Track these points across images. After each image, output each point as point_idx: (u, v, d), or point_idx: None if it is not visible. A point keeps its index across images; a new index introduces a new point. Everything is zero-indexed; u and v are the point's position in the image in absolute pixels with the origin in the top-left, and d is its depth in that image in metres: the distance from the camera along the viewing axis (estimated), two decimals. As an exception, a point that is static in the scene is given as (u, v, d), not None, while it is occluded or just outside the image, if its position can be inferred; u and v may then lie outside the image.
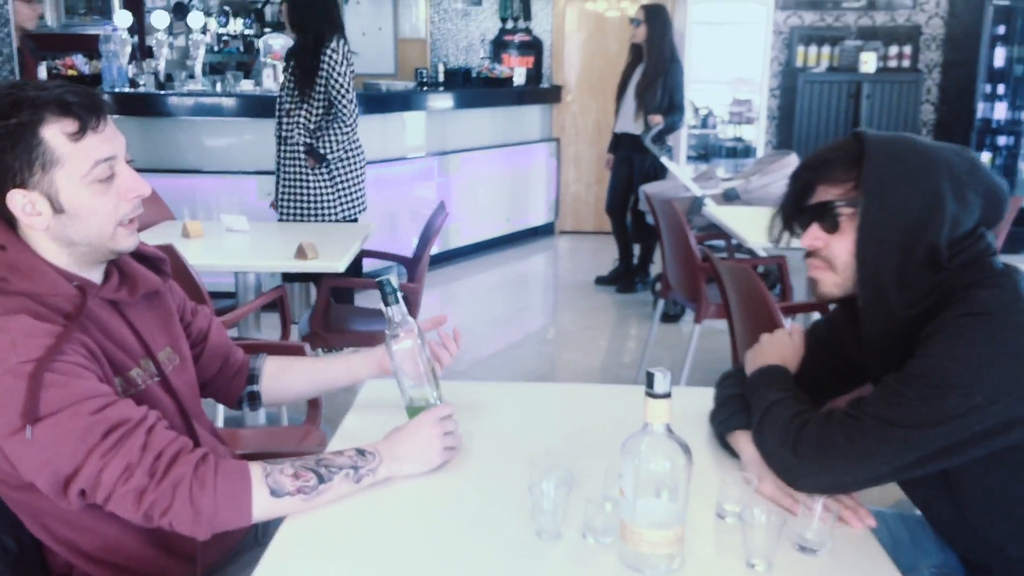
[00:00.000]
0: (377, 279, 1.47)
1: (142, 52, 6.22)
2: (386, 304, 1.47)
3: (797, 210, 1.38)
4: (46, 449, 1.18)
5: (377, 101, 5.74)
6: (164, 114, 4.88)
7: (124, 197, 1.32)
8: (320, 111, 3.89)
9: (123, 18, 5.24)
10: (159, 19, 5.35)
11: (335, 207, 3.98)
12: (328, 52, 3.80)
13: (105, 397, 1.23)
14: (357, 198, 4.06)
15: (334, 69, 3.80)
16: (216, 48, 7.09)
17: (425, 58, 7.57)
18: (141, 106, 4.89)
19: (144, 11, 6.64)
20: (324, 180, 3.96)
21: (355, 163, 4.03)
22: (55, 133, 1.24)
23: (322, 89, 3.85)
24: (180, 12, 6.39)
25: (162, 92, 5.04)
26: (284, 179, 4.01)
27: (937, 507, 1.40)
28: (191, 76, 5.42)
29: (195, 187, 4.94)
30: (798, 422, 1.28)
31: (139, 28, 6.34)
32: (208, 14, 6.85)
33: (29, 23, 4.20)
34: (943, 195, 1.25)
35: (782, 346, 1.54)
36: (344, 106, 3.84)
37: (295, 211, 4.00)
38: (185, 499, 1.21)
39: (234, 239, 3.33)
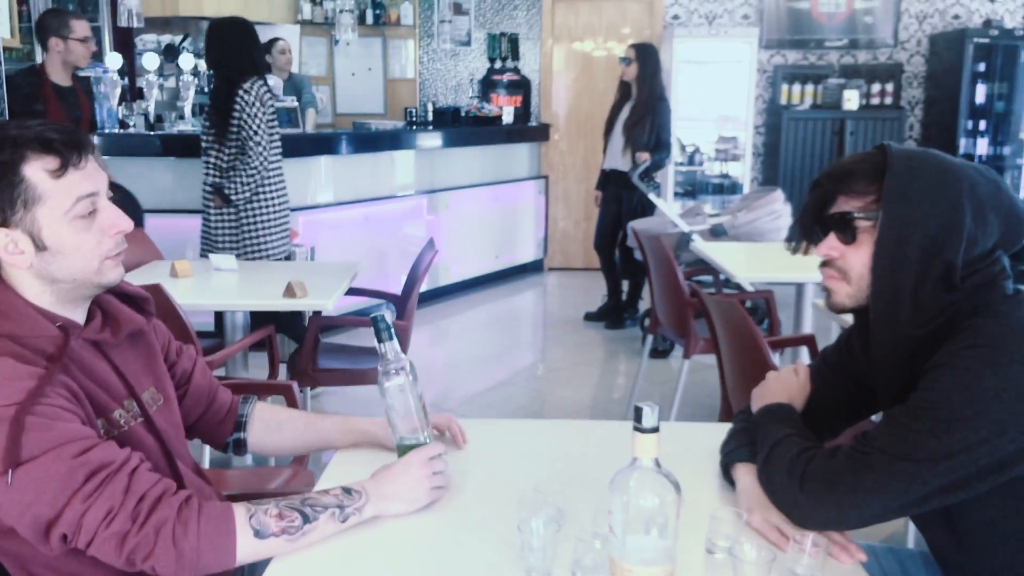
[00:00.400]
0: (371, 316, 1.47)
1: (132, 93, 6.25)
2: (379, 340, 1.46)
3: (816, 219, 1.37)
4: (27, 493, 1.17)
5: (367, 140, 5.78)
6: (154, 154, 4.89)
7: (107, 233, 1.32)
8: (233, 151, 3.89)
9: (114, 60, 5.26)
10: (150, 61, 5.38)
11: (237, 246, 3.95)
12: (240, 93, 3.82)
13: (87, 440, 1.21)
14: (266, 241, 3.98)
15: (244, 111, 3.81)
16: (206, 89, 7.13)
17: (414, 97, 7.64)
18: (131, 147, 4.91)
19: (135, 53, 6.68)
20: (228, 220, 3.95)
21: (266, 206, 3.97)
22: (36, 170, 1.24)
23: (235, 130, 3.86)
24: (170, 54, 6.44)
25: (152, 133, 5.06)
26: (203, 215, 4.06)
27: (935, 535, 1.40)
28: (181, 117, 5.44)
29: (183, 227, 4.93)
30: (804, 458, 1.28)
31: (130, 70, 6.38)
32: (198, 55, 6.90)
33: (83, 62, 4.19)
34: (963, 213, 1.25)
35: (788, 384, 1.53)
36: (252, 147, 3.83)
37: (204, 245, 4.05)
38: (168, 542, 1.20)
39: (222, 278, 3.32)
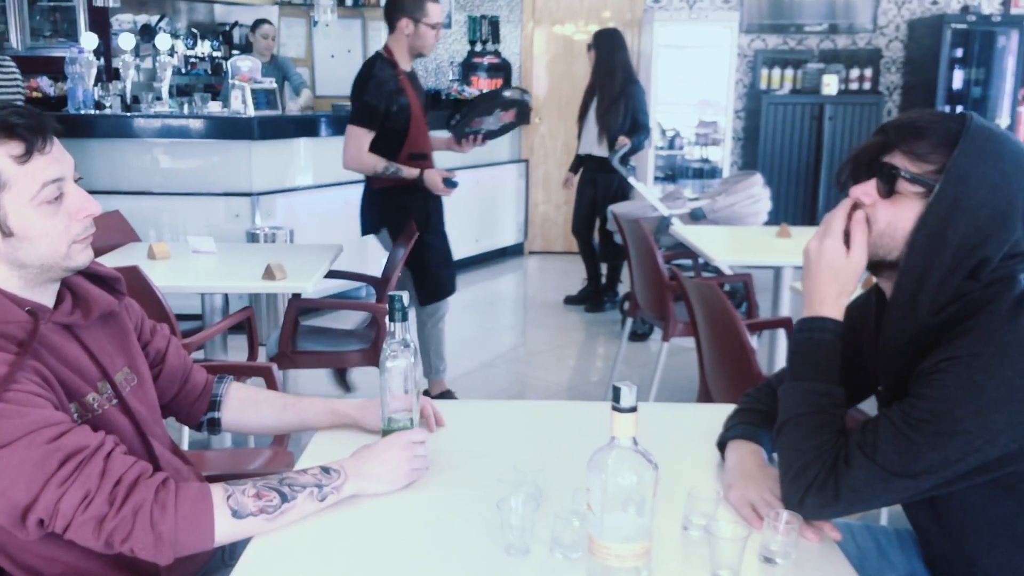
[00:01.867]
0: (390, 293, 1.49)
1: (108, 74, 6.18)
2: (391, 320, 1.48)
3: (869, 161, 1.30)
4: (2, 480, 1.16)
5: (346, 122, 5.73)
6: (130, 136, 4.84)
7: (75, 217, 1.31)
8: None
9: (89, 40, 5.20)
10: (126, 41, 5.32)
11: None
12: None
13: (61, 425, 1.21)
14: None
15: None
16: (183, 70, 7.06)
17: (394, 80, 7.59)
18: (107, 128, 4.86)
19: (111, 33, 6.60)
20: None
21: None
22: (1, 156, 1.23)
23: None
24: (147, 34, 6.36)
25: (128, 114, 5.00)
26: None
27: (918, 516, 1.42)
28: (158, 98, 5.39)
29: (162, 208, 4.90)
30: (819, 465, 1.23)
31: (106, 50, 6.30)
32: (175, 36, 6.82)
33: (428, 51, 3.66)
34: (1017, 211, 1.22)
35: (839, 268, 1.32)
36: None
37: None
38: (146, 524, 1.20)
39: (201, 260, 3.30)
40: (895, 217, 1.27)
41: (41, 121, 1.27)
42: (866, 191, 1.29)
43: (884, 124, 1.32)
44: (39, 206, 1.27)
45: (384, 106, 3.50)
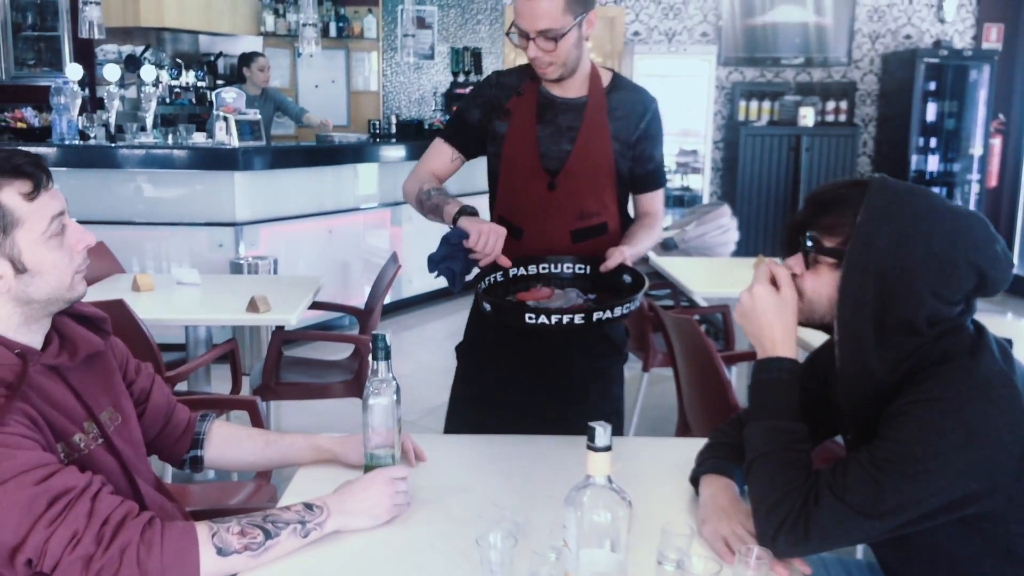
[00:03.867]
0: (373, 333, 1.53)
1: (93, 104, 6.20)
2: (375, 358, 1.52)
3: (793, 234, 1.42)
4: None
5: (330, 152, 5.79)
6: (115, 166, 4.86)
7: (75, 249, 1.36)
8: None
9: (75, 71, 5.22)
10: (111, 72, 5.34)
11: None
12: None
13: (48, 466, 1.23)
14: None
15: None
16: (168, 100, 7.10)
17: (378, 110, 7.66)
18: (92, 158, 4.87)
19: (96, 63, 6.63)
20: None
21: None
22: (11, 195, 1.28)
23: None
24: (132, 65, 6.39)
25: (113, 144, 5.03)
26: None
27: (885, 552, 1.46)
28: (142, 128, 5.41)
29: (145, 239, 4.92)
30: (789, 504, 1.28)
31: (90, 80, 6.32)
32: (160, 67, 6.86)
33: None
34: (925, 269, 1.27)
35: (774, 307, 1.41)
36: None
37: None
38: (132, 564, 1.22)
39: (185, 292, 3.32)
40: (817, 285, 1.38)
41: (40, 160, 1.33)
42: (793, 263, 1.41)
43: (807, 196, 1.43)
44: (48, 240, 1.32)
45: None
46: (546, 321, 1.71)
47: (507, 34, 2.06)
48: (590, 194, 2.06)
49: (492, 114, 2.16)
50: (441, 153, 2.29)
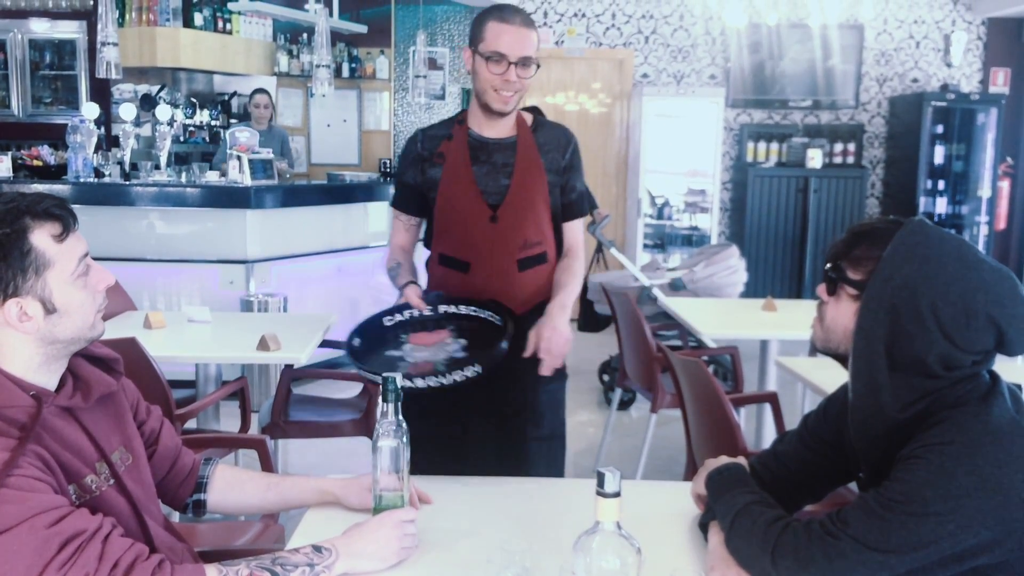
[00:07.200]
0: (383, 375, 1.53)
1: (108, 142, 6.28)
2: (384, 400, 1.53)
3: (826, 262, 1.45)
4: (2, 564, 1.19)
5: (341, 191, 5.85)
6: (128, 203, 4.92)
7: (97, 288, 1.39)
8: None
9: (91, 110, 5.31)
10: (127, 112, 5.42)
11: None
12: None
13: (60, 509, 1.24)
14: None
15: None
16: (182, 138, 7.19)
17: (389, 149, 7.74)
18: (106, 196, 4.93)
19: (112, 102, 6.73)
20: None
21: None
22: (42, 237, 1.31)
23: None
24: (147, 103, 6.49)
25: (127, 182, 5.09)
26: None
27: None
28: (156, 166, 5.48)
29: (157, 276, 4.96)
30: (775, 531, 1.30)
31: (106, 119, 6.42)
32: (175, 106, 6.96)
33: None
34: (939, 314, 1.27)
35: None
36: None
37: None
38: None
39: (196, 330, 3.34)
40: (836, 313, 1.41)
41: (65, 202, 1.37)
42: (821, 289, 1.45)
43: (849, 227, 1.46)
44: (75, 280, 1.35)
45: None
46: (409, 384, 1.84)
47: (477, 55, 2.12)
48: (531, 224, 2.21)
49: (425, 165, 2.26)
50: (399, 224, 2.38)
